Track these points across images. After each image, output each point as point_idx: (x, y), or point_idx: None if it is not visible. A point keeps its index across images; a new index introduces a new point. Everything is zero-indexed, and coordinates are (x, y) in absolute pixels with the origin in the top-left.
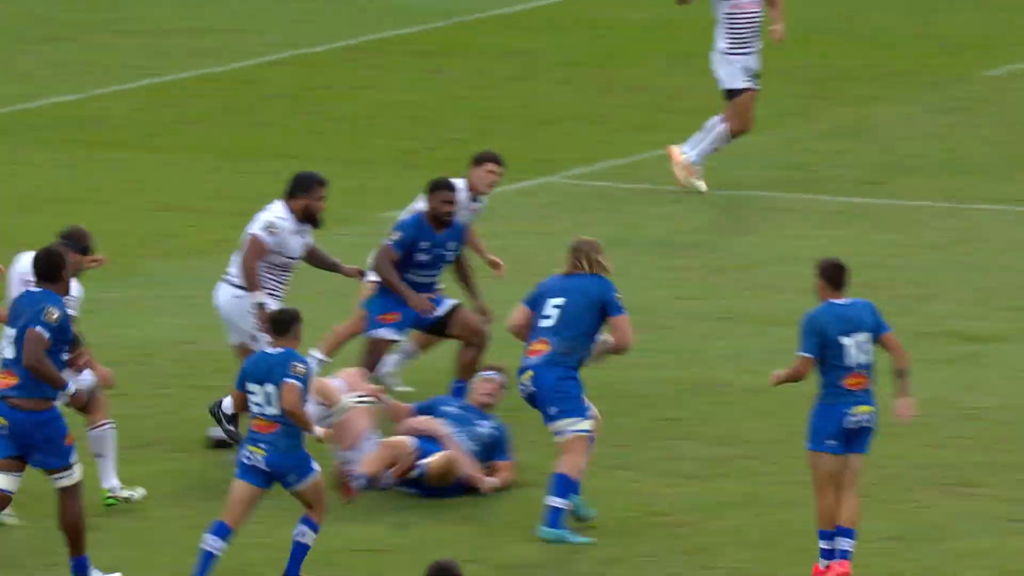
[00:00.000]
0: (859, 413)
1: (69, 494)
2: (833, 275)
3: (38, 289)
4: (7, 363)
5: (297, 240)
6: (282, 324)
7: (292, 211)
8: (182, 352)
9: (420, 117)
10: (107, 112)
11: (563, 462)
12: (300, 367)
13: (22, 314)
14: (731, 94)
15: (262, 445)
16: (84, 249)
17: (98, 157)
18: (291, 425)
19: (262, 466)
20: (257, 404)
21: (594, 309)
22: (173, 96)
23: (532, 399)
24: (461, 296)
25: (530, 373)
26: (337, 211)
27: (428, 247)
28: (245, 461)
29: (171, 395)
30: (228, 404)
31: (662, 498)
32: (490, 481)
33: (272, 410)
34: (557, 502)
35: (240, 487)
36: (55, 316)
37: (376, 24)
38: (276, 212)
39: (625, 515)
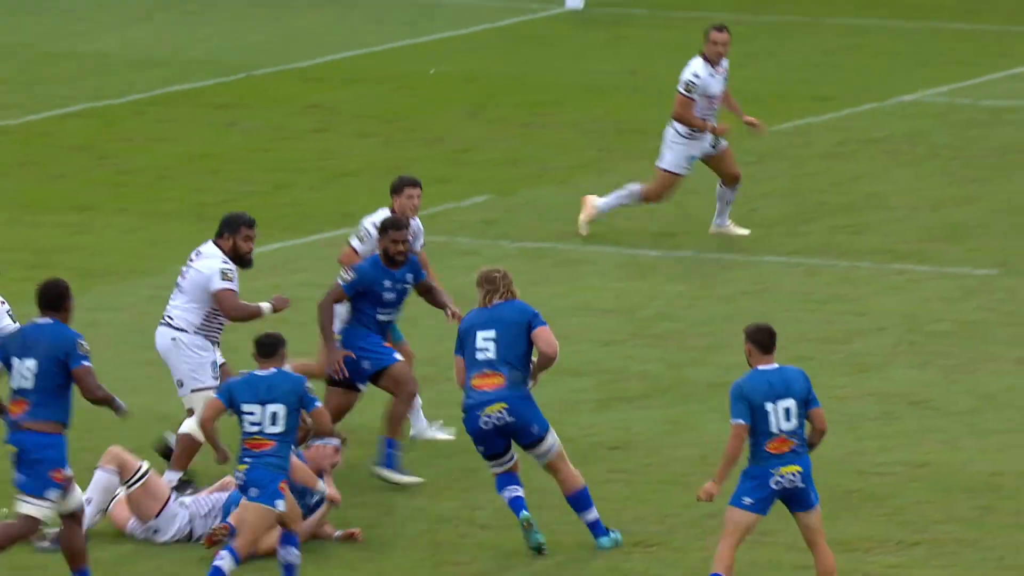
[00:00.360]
0: (786, 473)
1: (28, 523)
2: (761, 340)
3: (47, 320)
4: (19, 393)
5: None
6: (268, 347)
7: (223, 251)
8: None
9: (217, 169)
10: None
11: (571, 476)
12: (311, 388)
13: (35, 345)
14: (664, 170)
15: (247, 460)
16: None
17: None
18: (284, 445)
19: (241, 480)
20: (256, 424)
21: (524, 331)
22: None
23: (501, 430)
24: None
25: (502, 405)
26: (133, 263)
27: (391, 286)
28: (238, 481)
29: None
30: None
31: (458, 548)
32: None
33: (276, 428)
34: (594, 514)
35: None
36: (87, 347)
37: (172, 77)
38: (219, 259)
39: (421, 565)
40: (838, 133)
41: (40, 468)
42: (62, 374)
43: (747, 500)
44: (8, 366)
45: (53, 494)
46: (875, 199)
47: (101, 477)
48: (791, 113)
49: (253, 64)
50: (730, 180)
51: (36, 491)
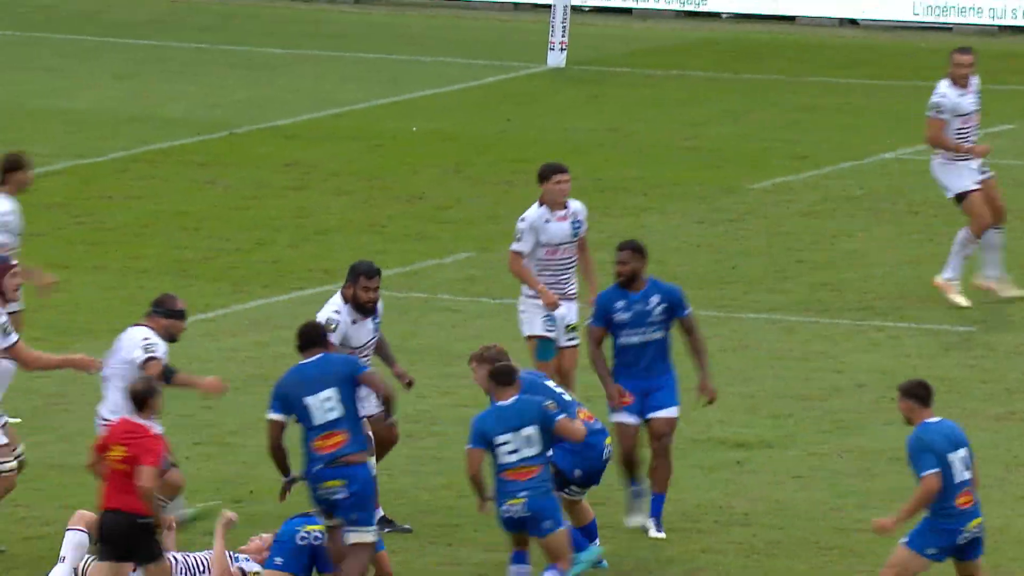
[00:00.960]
0: (971, 529)
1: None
2: (920, 394)
3: (316, 356)
4: (332, 424)
5: (359, 329)
6: (507, 375)
7: (346, 300)
8: None
9: (196, 227)
10: None
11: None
12: (552, 404)
13: (321, 376)
14: (961, 198)
15: (521, 494)
16: (178, 313)
17: None
18: (547, 469)
19: (522, 513)
20: (513, 451)
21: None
22: None
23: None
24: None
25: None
26: (111, 321)
27: (624, 306)
28: (506, 516)
29: None
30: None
31: None
32: None
33: (532, 451)
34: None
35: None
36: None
37: (152, 135)
38: (332, 306)
39: None
40: (817, 191)
41: (369, 500)
42: (354, 396)
43: (931, 551)
44: (297, 411)
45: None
46: (854, 256)
47: (73, 536)
48: (771, 171)
49: (234, 122)
50: (995, 215)
51: (371, 520)
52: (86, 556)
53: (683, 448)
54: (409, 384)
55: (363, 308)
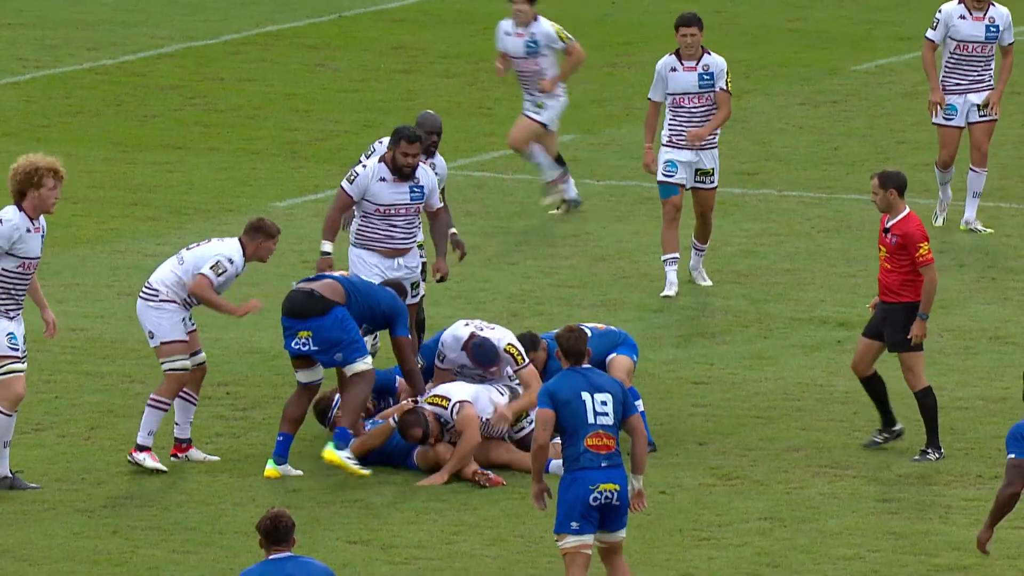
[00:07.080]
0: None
1: None
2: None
3: None
4: None
5: (387, 188)
6: None
7: (385, 161)
8: (71, 339)
9: (305, 109)
10: None
11: None
12: None
13: None
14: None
15: None
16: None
17: None
18: None
19: None
20: None
21: None
22: (63, 88)
23: None
24: None
25: None
26: (223, 201)
27: None
28: None
29: (61, 381)
30: None
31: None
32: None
33: None
34: None
35: None
36: None
37: (263, 18)
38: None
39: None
40: (920, 72)
41: None
42: None
43: None
44: None
45: None
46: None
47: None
48: (874, 53)
49: (343, 5)
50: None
51: None
52: None
53: (784, 327)
54: (441, 279)
55: (400, 171)
